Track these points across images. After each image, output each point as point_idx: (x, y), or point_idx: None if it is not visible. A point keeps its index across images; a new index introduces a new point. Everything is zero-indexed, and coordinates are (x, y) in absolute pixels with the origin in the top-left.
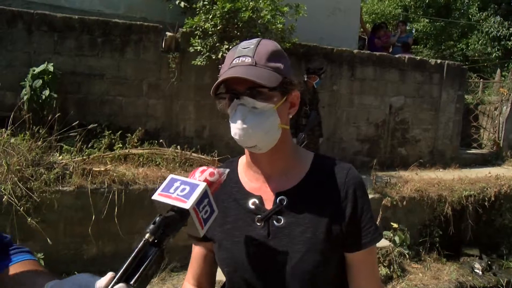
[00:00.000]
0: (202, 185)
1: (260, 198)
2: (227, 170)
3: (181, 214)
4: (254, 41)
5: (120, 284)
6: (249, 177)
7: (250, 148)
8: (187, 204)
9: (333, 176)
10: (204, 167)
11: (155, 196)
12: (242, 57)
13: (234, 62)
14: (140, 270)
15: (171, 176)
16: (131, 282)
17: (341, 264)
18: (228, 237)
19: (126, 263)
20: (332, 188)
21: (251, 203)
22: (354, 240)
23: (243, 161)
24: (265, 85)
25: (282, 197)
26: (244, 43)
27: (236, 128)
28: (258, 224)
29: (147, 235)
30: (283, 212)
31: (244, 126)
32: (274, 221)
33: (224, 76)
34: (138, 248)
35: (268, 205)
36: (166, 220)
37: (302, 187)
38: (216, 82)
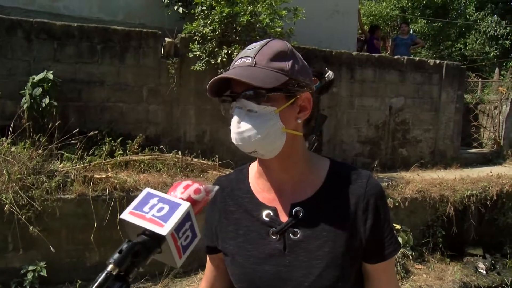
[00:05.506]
0: (185, 205)
1: (274, 210)
2: (216, 188)
3: (155, 240)
4: (263, 41)
5: None
6: (261, 186)
7: (250, 153)
8: (164, 229)
9: (351, 185)
10: (189, 182)
11: (124, 215)
12: (244, 58)
13: (236, 63)
14: None
15: (147, 190)
16: None
17: (357, 275)
18: (240, 251)
19: None
20: (351, 199)
21: (265, 214)
22: (376, 252)
23: (253, 169)
24: (257, 85)
25: (298, 208)
26: (252, 44)
27: (232, 132)
28: (273, 237)
29: (109, 267)
30: (300, 225)
31: (239, 130)
32: (291, 234)
33: (219, 76)
34: (97, 283)
35: (283, 217)
36: (136, 247)
37: (319, 198)
38: (210, 82)
